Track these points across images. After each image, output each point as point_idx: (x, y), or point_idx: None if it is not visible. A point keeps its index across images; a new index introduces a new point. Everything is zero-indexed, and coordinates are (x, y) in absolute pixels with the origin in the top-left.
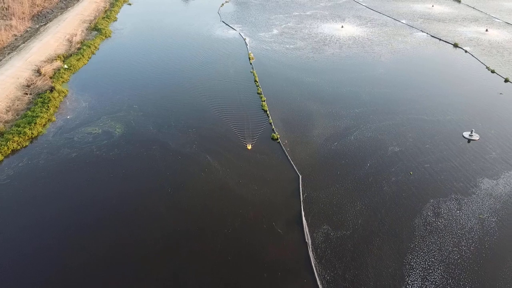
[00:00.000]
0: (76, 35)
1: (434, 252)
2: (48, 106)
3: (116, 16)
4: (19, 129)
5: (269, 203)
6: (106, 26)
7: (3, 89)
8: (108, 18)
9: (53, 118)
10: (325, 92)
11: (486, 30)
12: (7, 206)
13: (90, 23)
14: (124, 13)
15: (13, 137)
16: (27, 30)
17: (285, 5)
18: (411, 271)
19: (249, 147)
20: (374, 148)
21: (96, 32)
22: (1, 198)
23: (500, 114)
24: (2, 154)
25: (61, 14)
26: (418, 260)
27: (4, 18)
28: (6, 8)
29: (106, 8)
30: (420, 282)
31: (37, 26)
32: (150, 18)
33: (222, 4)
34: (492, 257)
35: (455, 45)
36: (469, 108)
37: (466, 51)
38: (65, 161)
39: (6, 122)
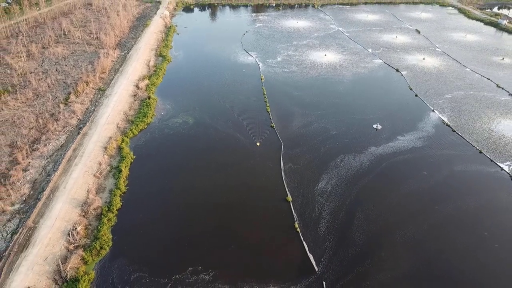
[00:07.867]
0: (150, 60)
1: (334, 173)
2: (150, 107)
3: (171, 44)
4: (140, 119)
5: (266, 154)
6: (167, 53)
7: (123, 97)
8: (167, 47)
9: (154, 114)
10: (303, 100)
11: (423, 58)
12: (149, 153)
13: (156, 51)
14: (176, 41)
15: (139, 123)
16: (118, 57)
17: (288, 35)
18: (323, 175)
19: (258, 144)
20: (322, 132)
21: (161, 58)
22: (145, 149)
23: (400, 115)
24: (137, 131)
25: (135, 43)
26: (328, 174)
27: (100, 47)
28: (97, 38)
29: (163, 38)
30: (325, 182)
31: (123, 53)
32: (194, 45)
33: (244, 34)
34: (359, 176)
35: (397, 70)
36: (384, 111)
37: (402, 75)
38: (169, 134)
39: (131, 115)
